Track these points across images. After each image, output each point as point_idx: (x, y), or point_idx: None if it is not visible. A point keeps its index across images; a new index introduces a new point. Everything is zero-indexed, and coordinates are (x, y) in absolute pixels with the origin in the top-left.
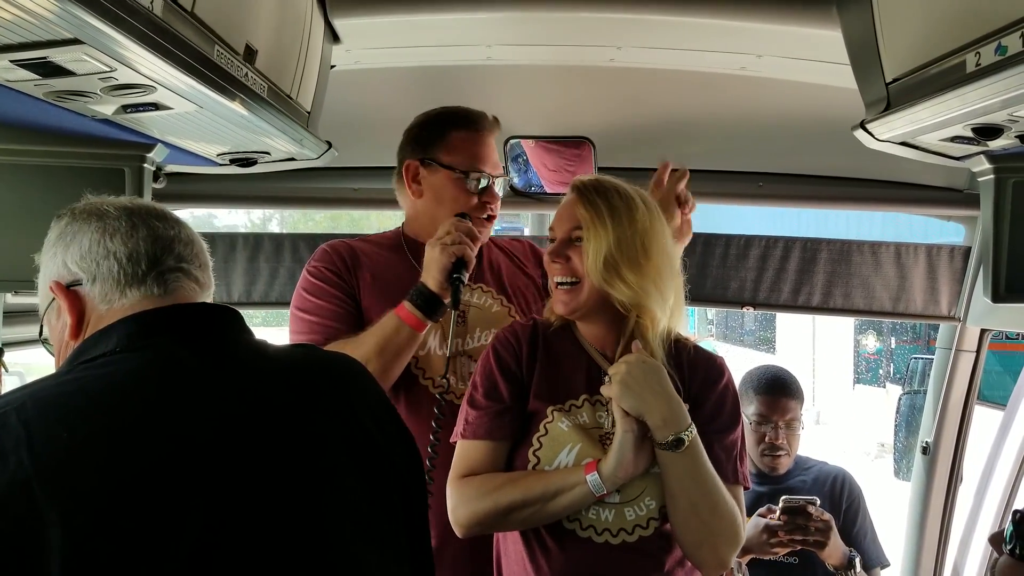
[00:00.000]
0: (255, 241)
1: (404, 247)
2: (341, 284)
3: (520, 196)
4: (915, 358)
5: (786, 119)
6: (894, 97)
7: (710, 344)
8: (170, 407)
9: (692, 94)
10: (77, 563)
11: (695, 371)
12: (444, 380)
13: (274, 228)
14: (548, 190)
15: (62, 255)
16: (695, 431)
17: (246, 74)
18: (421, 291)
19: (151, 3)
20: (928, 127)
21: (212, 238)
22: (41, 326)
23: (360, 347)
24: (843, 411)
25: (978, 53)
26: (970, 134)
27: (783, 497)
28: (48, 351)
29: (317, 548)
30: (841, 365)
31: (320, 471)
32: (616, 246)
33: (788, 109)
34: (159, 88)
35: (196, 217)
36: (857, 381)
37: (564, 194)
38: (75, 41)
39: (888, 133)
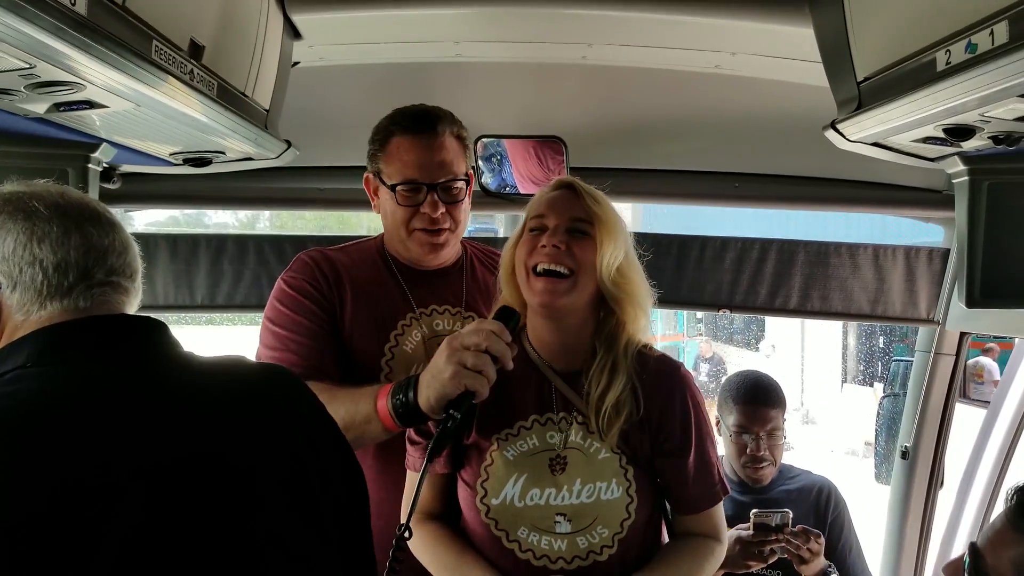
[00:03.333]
0: (218, 243)
1: (385, 261)
2: (320, 299)
3: (492, 197)
4: (896, 360)
5: (762, 118)
6: (865, 96)
7: (697, 344)
8: (82, 426)
9: (666, 93)
10: None
11: (655, 388)
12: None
13: (263, 227)
14: (522, 190)
15: None
16: None
17: (191, 71)
18: (408, 402)
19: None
20: (899, 127)
21: (174, 240)
22: None
23: (330, 406)
24: (831, 411)
25: (948, 51)
26: (942, 135)
27: (753, 512)
28: None
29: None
30: (830, 365)
31: (243, 493)
32: (625, 251)
33: (764, 108)
34: (88, 86)
35: (187, 215)
36: (845, 380)
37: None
38: None
39: (859, 133)
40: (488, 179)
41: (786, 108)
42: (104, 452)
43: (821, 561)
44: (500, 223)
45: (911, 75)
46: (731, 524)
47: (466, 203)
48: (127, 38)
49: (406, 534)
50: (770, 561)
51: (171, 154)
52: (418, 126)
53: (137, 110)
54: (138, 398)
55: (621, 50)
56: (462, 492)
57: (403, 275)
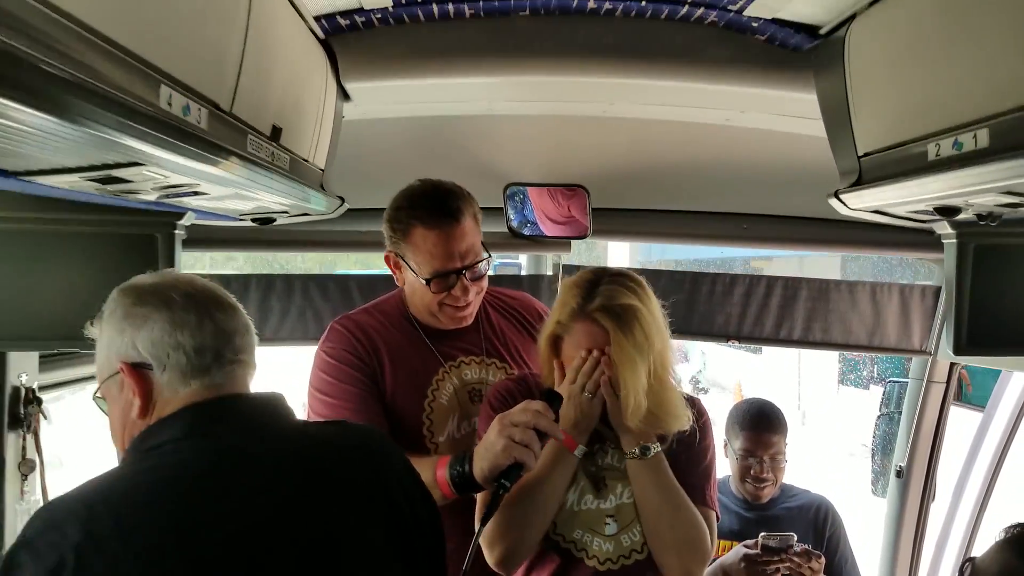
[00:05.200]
0: (267, 282)
1: (409, 320)
2: (362, 367)
3: (518, 239)
4: (890, 381)
5: (768, 165)
6: (866, 171)
7: (695, 345)
8: (231, 491)
9: (680, 142)
10: None
11: None
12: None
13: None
14: (546, 232)
15: (130, 335)
16: (658, 446)
17: (272, 153)
18: (464, 472)
19: (199, 119)
20: (895, 203)
21: (228, 280)
22: (98, 388)
23: None
24: (827, 412)
25: (938, 144)
26: (932, 210)
27: (761, 535)
28: (100, 408)
29: None
30: (826, 367)
31: (358, 541)
32: (647, 387)
33: (770, 156)
34: (202, 184)
35: (213, 259)
36: (841, 383)
37: (560, 238)
38: (137, 163)
39: (859, 204)
40: (512, 217)
41: (791, 155)
42: (256, 513)
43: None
44: (523, 259)
45: (906, 160)
46: (736, 539)
47: (486, 275)
48: (231, 141)
49: None
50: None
51: (241, 214)
52: (440, 218)
53: (228, 190)
54: (274, 466)
55: (639, 107)
56: None
57: (426, 332)
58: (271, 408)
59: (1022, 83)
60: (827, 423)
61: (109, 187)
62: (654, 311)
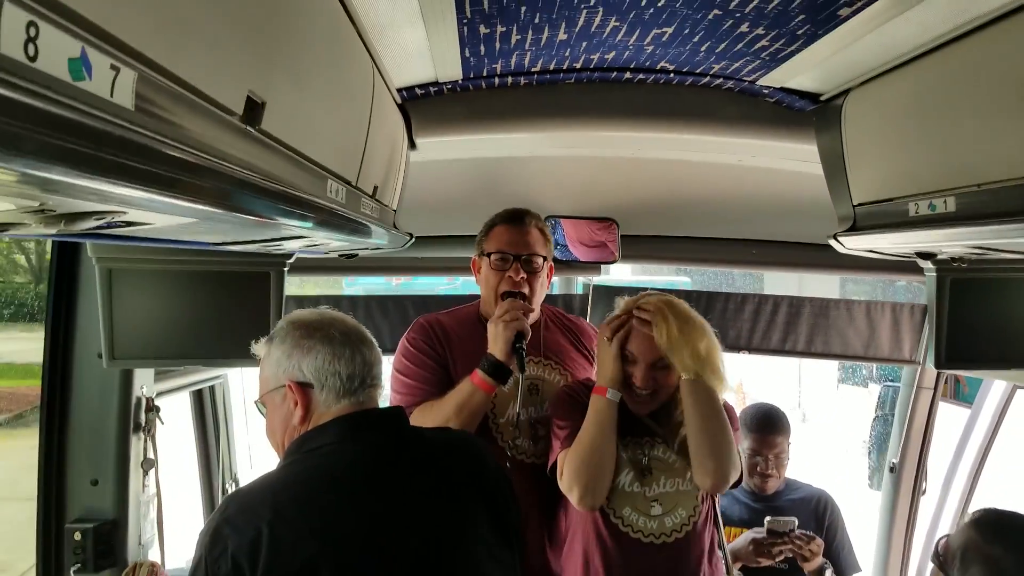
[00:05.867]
0: (336, 302)
1: (482, 323)
2: (435, 355)
3: (553, 262)
4: (886, 385)
5: (776, 198)
6: (860, 218)
7: None
8: (377, 482)
9: (699, 179)
10: None
11: None
12: (516, 432)
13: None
14: (579, 258)
15: (298, 360)
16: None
17: (372, 207)
18: (491, 361)
19: (342, 197)
20: (883, 247)
21: (301, 300)
22: (260, 396)
23: (444, 407)
24: (827, 410)
25: (917, 204)
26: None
27: (767, 519)
28: (259, 411)
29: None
30: (825, 367)
31: (470, 517)
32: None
33: (777, 190)
34: (331, 241)
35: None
36: (841, 381)
37: (592, 262)
38: (302, 236)
39: (854, 245)
40: None
41: (795, 190)
42: (394, 498)
43: (819, 559)
44: (555, 280)
45: (892, 214)
46: (746, 526)
47: (543, 278)
48: (354, 207)
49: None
50: (778, 560)
51: (330, 251)
52: (512, 219)
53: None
54: (404, 462)
55: (663, 151)
56: None
57: None
58: (397, 418)
59: (976, 167)
60: (827, 421)
61: (269, 247)
62: (700, 325)
